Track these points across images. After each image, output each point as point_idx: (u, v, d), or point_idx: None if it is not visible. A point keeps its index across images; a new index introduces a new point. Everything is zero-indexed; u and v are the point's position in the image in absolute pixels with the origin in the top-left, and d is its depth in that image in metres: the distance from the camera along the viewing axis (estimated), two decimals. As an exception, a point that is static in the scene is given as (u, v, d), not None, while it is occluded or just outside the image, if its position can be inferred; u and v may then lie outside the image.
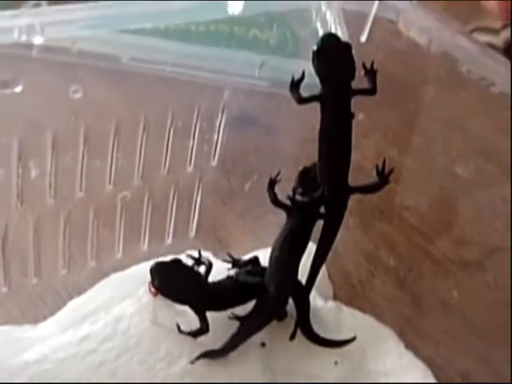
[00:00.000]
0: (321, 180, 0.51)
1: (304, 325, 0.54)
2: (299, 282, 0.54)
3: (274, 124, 0.63)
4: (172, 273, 0.50)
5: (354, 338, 0.53)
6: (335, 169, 0.50)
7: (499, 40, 0.93)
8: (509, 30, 0.93)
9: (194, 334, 0.50)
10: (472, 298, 0.56)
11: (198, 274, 0.52)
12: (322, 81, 0.49)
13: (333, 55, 0.48)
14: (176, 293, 0.50)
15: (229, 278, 0.53)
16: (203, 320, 0.50)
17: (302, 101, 0.50)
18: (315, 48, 0.48)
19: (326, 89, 0.49)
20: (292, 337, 0.53)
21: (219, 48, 0.62)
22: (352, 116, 0.50)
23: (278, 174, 0.51)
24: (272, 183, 0.51)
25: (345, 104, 0.49)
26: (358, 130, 0.51)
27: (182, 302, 0.51)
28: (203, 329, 0.50)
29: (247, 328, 0.51)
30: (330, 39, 0.49)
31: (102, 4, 0.47)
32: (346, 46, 0.49)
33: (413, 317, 0.56)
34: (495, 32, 0.94)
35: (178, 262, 0.51)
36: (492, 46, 0.91)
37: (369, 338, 0.55)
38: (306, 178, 0.52)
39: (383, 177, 0.52)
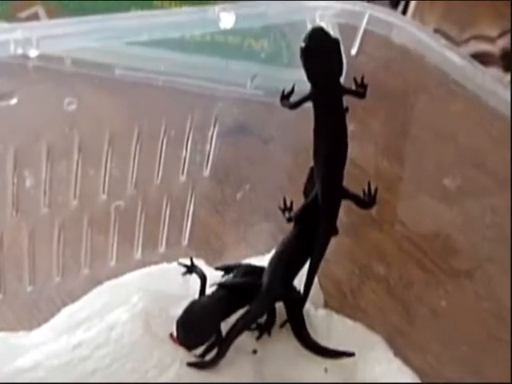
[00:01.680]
0: (316, 178, 0.51)
1: (300, 332, 0.54)
2: (295, 289, 0.54)
3: (267, 133, 0.63)
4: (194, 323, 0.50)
5: (352, 354, 0.54)
6: (330, 167, 0.51)
7: (496, 48, 0.94)
8: (504, 39, 0.94)
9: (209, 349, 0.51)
10: (461, 308, 0.56)
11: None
12: (310, 78, 0.49)
13: (320, 52, 0.48)
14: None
15: (221, 286, 0.53)
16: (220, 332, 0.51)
17: (293, 106, 0.50)
18: (303, 44, 0.48)
19: (316, 86, 0.49)
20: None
21: (213, 58, 0.62)
22: (346, 110, 0.50)
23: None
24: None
25: (336, 100, 0.49)
26: (349, 140, 0.52)
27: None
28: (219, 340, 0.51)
29: (234, 331, 0.51)
30: (317, 35, 0.48)
31: (96, 18, 0.47)
32: (334, 42, 0.49)
33: (402, 325, 0.57)
34: (492, 40, 0.94)
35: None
36: (488, 55, 0.92)
37: (359, 345, 0.55)
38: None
39: (371, 197, 0.53)
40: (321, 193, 0.51)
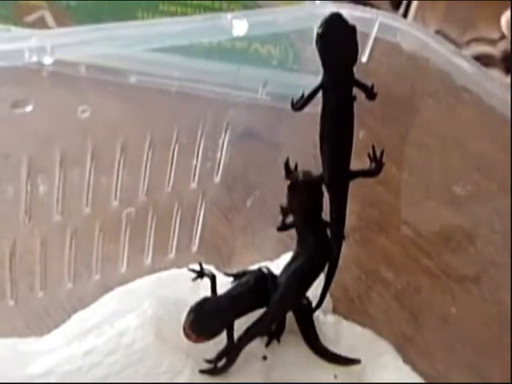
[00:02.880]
0: (322, 163, 0.51)
1: (310, 337, 0.55)
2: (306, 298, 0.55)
3: (275, 139, 0.63)
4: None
5: (358, 361, 0.54)
6: (337, 151, 0.51)
7: (497, 50, 0.94)
8: (506, 41, 0.94)
9: (221, 356, 0.51)
10: (469, 313, 0.56)
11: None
12: (324, 64, 0.49)
13: (336, 38, 0.48)
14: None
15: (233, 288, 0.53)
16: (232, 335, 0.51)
17: (306, 101, 0.50)
18: (319, 30, 0.48)
19: (328, 72, 0.49)
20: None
21: (221, 63, 0.62)
22: (354, 99, 0.50)
23: None
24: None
25: (347, 87, 0.49)
26: (358, 145, 0.52)
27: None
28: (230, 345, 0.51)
29: (244, 338, 0.52)
30: (334, 21, 0.48)
31: (109, 26, 0.47)
32: (351, 29, 0.48)
33: (410, 331, 0.57)
34: (493, 42, 0.95)
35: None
36: (489, 57, 0.92)
37: (367, 352, 0.55)
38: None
39: (377, 161, 0.52)
40: (328, 177, 0.51)
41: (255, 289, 0.53)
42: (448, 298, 0.57)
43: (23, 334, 0.53)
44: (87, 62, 0.54)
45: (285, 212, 0.54)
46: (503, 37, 0.95)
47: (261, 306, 0.53)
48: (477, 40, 0.95)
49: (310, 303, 0.55)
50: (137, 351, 0.50)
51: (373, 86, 0.51)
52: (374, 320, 0.58)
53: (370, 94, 0.51)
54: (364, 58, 0.56)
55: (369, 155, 0.53)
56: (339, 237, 0.53)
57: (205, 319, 0.49)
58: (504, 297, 0.55)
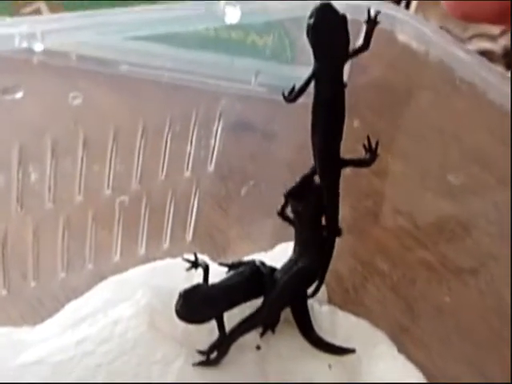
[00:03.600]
0: (313, 153, 0.51)
1: (305, 327, 0.55)
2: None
3: (270, 130, 0.63)
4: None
5: (353, 350, 0.54)
6: (328, 140, 0.51)
7: (498, 46, 0.94)
8: (506, 37, 0.94)
9: (213, 348, 0.51)
10: (464, 305, 0.56)
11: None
12: (315, 54, 0.49)
13: (327, 29, 0.48)
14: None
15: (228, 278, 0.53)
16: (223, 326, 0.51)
17: (299, 92, 0.50)
18: (309, 21, 0.48)
19: (320, 63, 0.49)
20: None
21: (217, 54, 0.62)
22: (345, 86, 0.50)
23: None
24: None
25: (338, 77, 0.49)
26: (352, 135, 0.52)
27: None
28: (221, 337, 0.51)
29: (237, 331, 0.51)
30: (324, 12, 0.48)
31: (101, 12, 0.47)
32: (341, 18, 0.48)
33: (406, 322, 0.57)
34: (494, 38, 0.95)
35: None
36: (490, 53, 0.92)
37: (363, 342, 0.55)
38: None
39: (372, 151, 0.52)
40: (319, 166, 0.51)
41: (249, 280, 0.53)
42: (444, 290, 0.57)
43: (16, 324, 0.53)
44: (79, 52, 0.54)
45: (286, 202, 0.54)
46: (504, 33, 0.95)
47: (254, 297, 0.52)
48: (478, 36, 0.95)
49: (305, 293, 0.55)
50: (130, 340, 0.50)
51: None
52: (370, 311, 0.58)
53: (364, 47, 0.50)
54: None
55: (364, 145, 0.52)
56: (333, 225, 0.53)
57: (194, 305, 0.49)
58: (500, 289, 0.55)
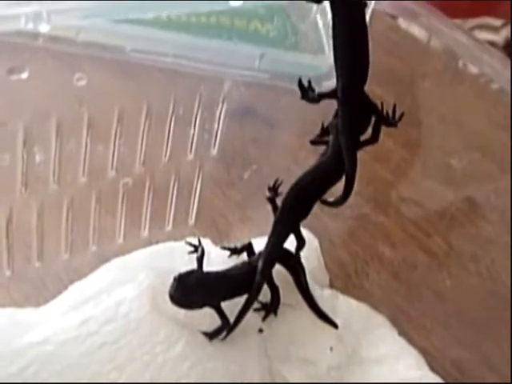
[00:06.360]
0: (336, 77, 0.49)
1: (301, 285, 0.55)
2: (292, 254, 0.55)
3: (273, 116, 0.63)
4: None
5: (335, 325, 0.55)
6: (351, 62, 0.48)
7: (499, 38, 0.95)
8: (508, 28, 0.94)
9: (218, 332, 0.51)
10: (465, 289, 0.57)
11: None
12: None
13: None
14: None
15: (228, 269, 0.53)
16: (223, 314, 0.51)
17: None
18: None
19: None
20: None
21: (220, 40, 0.62)
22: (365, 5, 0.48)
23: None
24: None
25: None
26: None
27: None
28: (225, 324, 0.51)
29: (245, 306, 0.51)
30: None
31: (105, -5, 0.48)
32: None
33: (406, 306, 0.57)
34: (495, 30, 0.95)
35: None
36: (492, 44, 0.93)
37: (363, 325, 0.56)
38: None
39: (394, 118, 0.51)
40: (341, 89, 0.49)
41: (248, 274, 0.52)
42: (444, 275, 0.57)
43: (20, 305, 0.53)
44: (83, 38, 0.54)
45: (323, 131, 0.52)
46: (506, 24, 0.95)
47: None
48: (480, 27, 0.96)
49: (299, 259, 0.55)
50: (133, 321, 0.50)
51: None
52: (371, 295, 0.58)
53: None
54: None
55: (387, 112, 0.51)
56: (352, 152, 0.50)
57: (188, 290, 0.49)
58: (501, 273, 0.55)
